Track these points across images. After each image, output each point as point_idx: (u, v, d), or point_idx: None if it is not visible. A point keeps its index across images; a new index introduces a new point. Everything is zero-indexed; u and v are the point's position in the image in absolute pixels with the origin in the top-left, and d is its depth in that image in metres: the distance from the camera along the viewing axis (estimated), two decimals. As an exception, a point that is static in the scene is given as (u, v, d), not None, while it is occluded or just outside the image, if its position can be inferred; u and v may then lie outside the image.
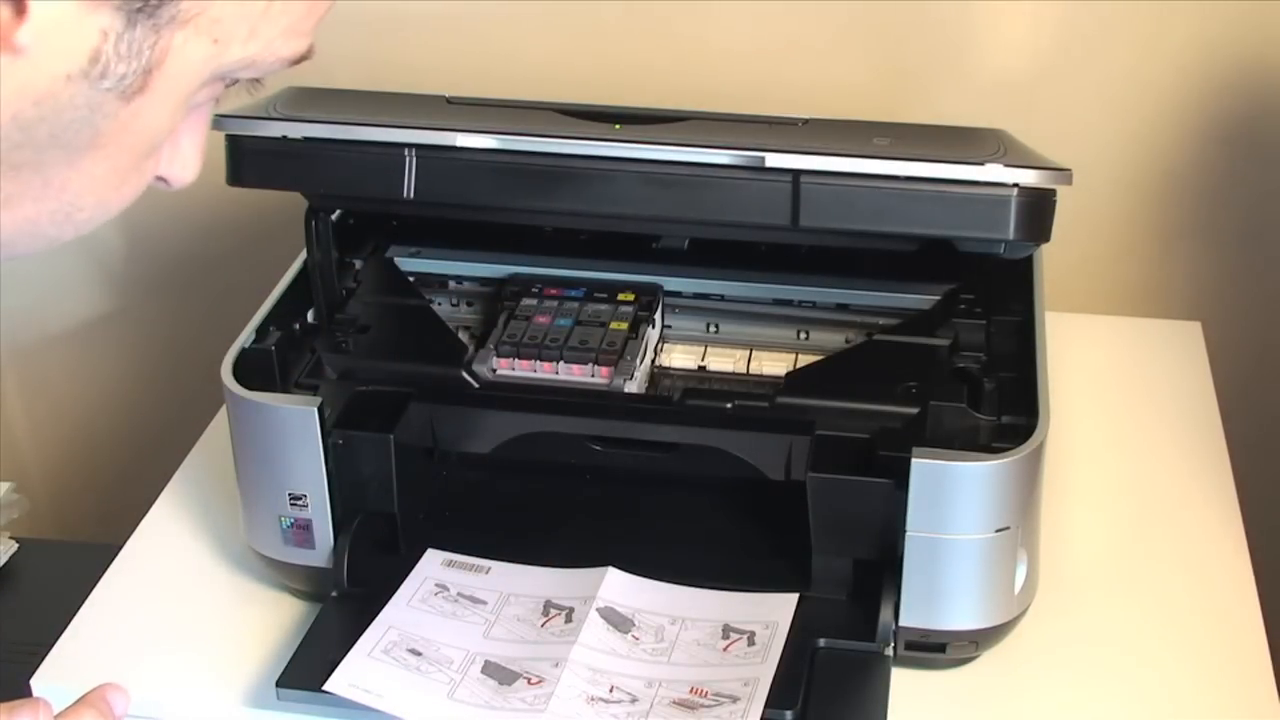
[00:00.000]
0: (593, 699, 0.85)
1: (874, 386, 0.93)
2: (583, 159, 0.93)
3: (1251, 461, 1.18)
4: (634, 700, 0.85)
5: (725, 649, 0.89)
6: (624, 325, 1.01)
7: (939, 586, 0.89)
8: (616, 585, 0.93)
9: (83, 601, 1.01)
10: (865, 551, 0.90)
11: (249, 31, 0.52)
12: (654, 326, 1.04)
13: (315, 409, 0.92)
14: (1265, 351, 1.37)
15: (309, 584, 0.98)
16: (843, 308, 1.05)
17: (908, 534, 0.87)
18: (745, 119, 0.99)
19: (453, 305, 1.09)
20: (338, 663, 0.87)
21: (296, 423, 0.92)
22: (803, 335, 1.05)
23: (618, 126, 0.95)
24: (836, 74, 1.31)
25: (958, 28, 1.28)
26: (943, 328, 0.99)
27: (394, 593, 0.93)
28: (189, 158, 0.59)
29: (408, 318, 1.05)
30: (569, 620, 0.91)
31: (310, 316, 1.04)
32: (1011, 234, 0.90)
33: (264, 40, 0.53)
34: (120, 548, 1.06)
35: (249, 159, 0.96)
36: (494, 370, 0.99)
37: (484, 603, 0.93)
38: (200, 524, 1.08)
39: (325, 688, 0.85)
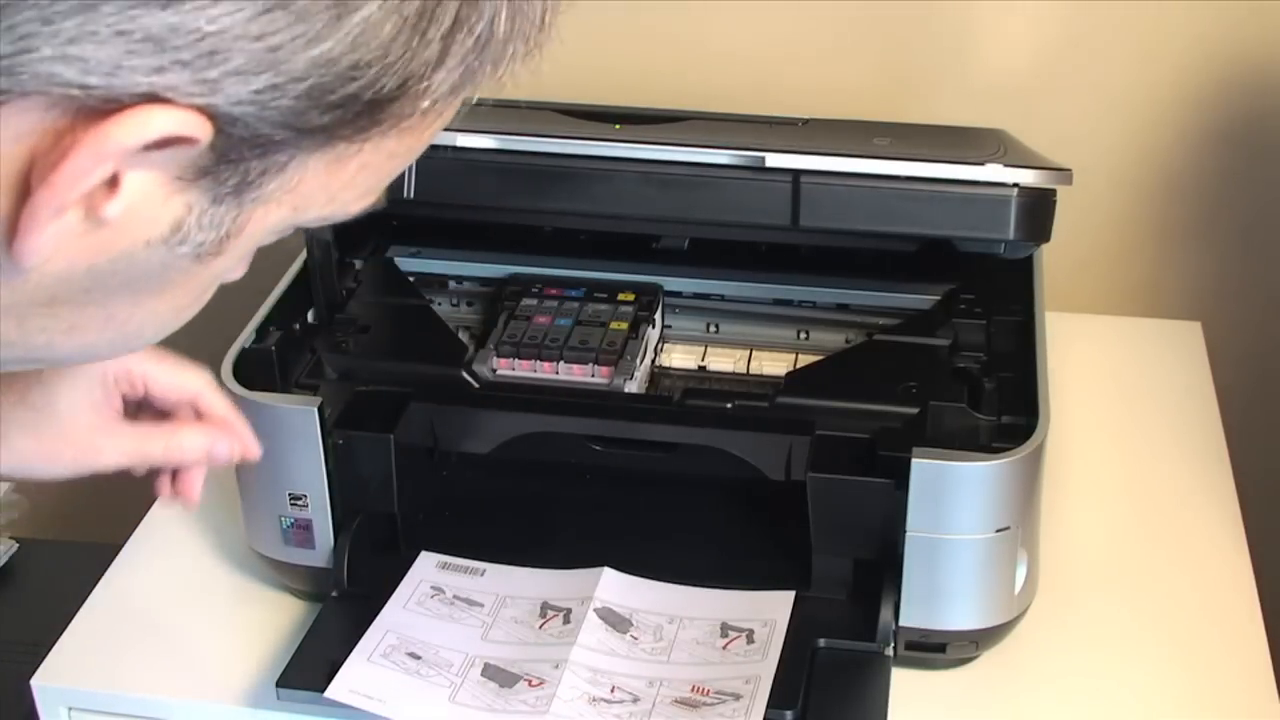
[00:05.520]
0: (595, 699, 0.85)
1: (874, 386, 0.93)
2: (583, 159, 0.93)
3: (1251, 461, 1.18)
4: (636, 700, 0.85)
5: (724, 647, 0.89)
6: (624, 325, 1.01)
7: (939, 586, 0.89)
8: (612, 585, 0.93)
9: (83, 601, 1.01)
10: (865, 551, 0.90)
11: (327, 199, 0.53)
12: (654, 326, 1.04)
13: (315, 409, 0.92)
14: (1265, 351, 1.37)
15: (309, 584, 0.98)
16: (843, 308, 1.05)
17: (908, 534, 0.87)
18: (745, 119, 0.99)
19: (453, 305, 1.09)
20: (338, 664, 0.87)
21: (297, 423, 0.92)
22: (803, 335, 1.05)
23: (618, 126, 0.95)
24: (837, 74, 1.31)
25: (958, 28, 1.28)
26: (943, 328, 0.99)
27: (390, 595, 0.93)
28: (242, 268, 0.59)
29: (408, 318, 1.05)
30: (567, 621, 0.91)
31: (310, 316, 1.03)
32: (1011, 234, 0.90)
33: (340, 203, 0.54)
34: (120, 548, 1.06)
35: (249, 159, 0.95)
36: (494, 370, 0.99)
37: (480, 605, 0.93)
38: (200, 524, 1.08)
39: (326, 695, 0.85)
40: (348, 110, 0.48)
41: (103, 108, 0.44)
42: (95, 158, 0.45)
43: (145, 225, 0.49)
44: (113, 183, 0.47)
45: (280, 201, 0.51)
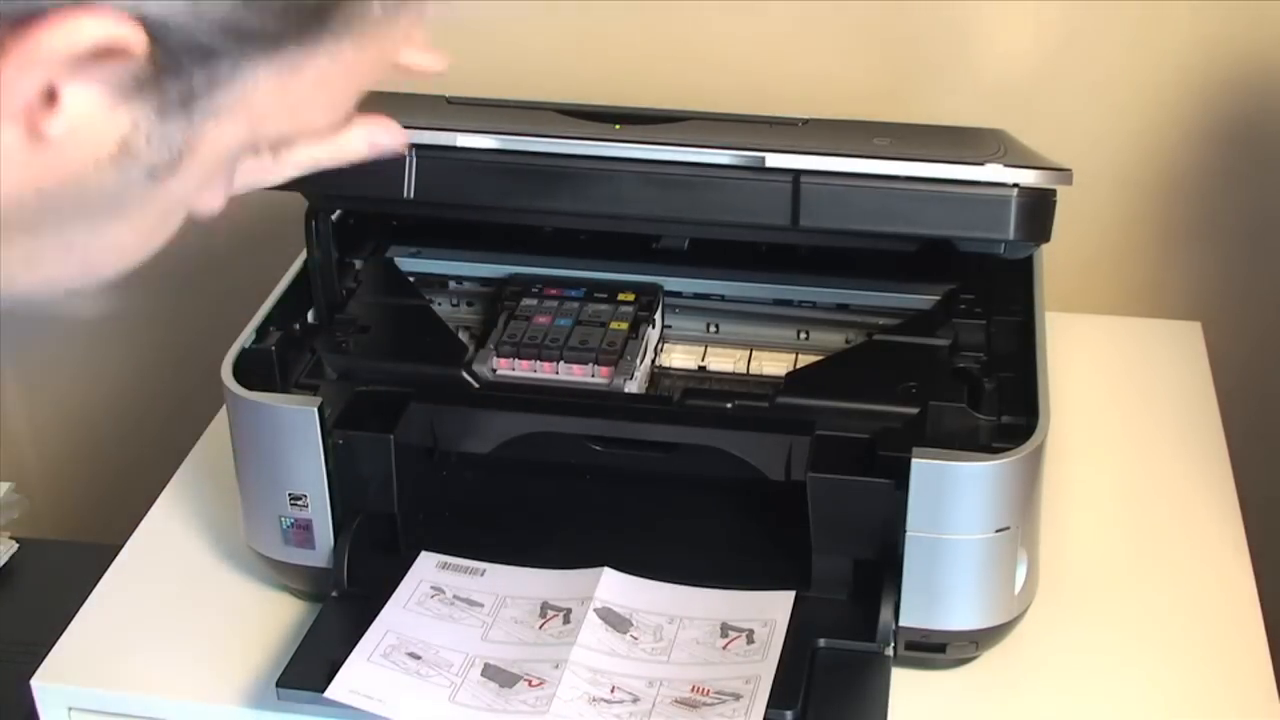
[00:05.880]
0: (594, 699, 0.85)
1: (874, 386, 0.93)
2: (583, 159, 0.93)
3: (1252, 462, 1.18)
4: (635, 700, 0.85)
5: (724, 647, 0.89)
6: (624, 325, 1.01)
7: (939, 586, 0.89)
8: (613, 585, 0.93)
9: (83, 601, 1.01)
10: (865, 551, 0.90)
11: (287, 114, 0.51)
12: (654, 326, 1.04)
13: (315, 409, 0.92)
14: (1265, 351, 1.37)
15: (309, 584, 0.98)
16: (843, 308, 1.05)
17: (908, 534, 0.87)
18: (745, 119, 0.99)
19: (453, 305, 1.09)
20: (338, 664, 0.87)
21: (296, 423, 0.92)
22: (803, 335, 1.05)
23: (618, 126, 0.95)
24: (836, 74, 1.31)
25: (958, 28, 1.28)
26: (943, 328, 0.99)
27: (390, 595, 0.93)
28: (215, 196, 0.58)
29: (408, 318, 1.05)
30: (567, 621, 0.91)
31: (310, 316, 1.04)
32: (1011, 234, 0.90)
33: (304, 121, 0.52)
34: (120, 548, 1.06)
35: (249, 159, 0.95)
36: (494, 370, 0.99)
37: (480, 605, 0.93)
38: (200, 524, 1.08)
39: (326, 695, 0.85)
40: (288, 14, 0.47)
41: (28, 18, 0.44)
42: (23, 67, 0.44)
43: (91, 144, 0.48)
44: (52, 99, 0.46)
45: (234, 117, 0.50)
